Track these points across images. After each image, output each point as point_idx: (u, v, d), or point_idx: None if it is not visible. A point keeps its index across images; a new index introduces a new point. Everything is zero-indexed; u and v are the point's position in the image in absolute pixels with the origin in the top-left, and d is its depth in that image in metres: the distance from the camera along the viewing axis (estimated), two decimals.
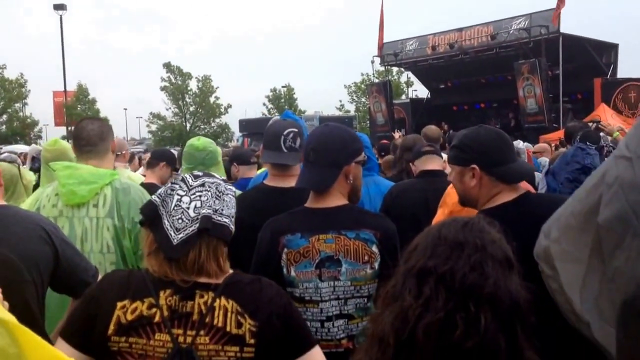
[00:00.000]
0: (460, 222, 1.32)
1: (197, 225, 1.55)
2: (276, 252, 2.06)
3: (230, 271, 1.62)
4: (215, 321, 1.50)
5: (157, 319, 1.50)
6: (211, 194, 1.59)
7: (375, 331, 1.31)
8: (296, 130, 2.62)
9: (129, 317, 1.50)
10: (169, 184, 1.63)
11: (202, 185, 1.60)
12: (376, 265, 2.04)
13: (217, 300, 1.52)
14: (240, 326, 1.50)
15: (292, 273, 2.03)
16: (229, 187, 1.66)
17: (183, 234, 1.54)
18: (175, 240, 1.54)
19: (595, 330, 0.93)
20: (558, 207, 1.94)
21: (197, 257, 1.54)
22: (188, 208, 1.57)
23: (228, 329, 1.49)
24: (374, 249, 2.05)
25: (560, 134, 12.78)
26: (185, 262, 1.54)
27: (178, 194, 1.59)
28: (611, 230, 0.88)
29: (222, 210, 1.60)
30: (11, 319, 1.20)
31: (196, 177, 1.63)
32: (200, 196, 1.58)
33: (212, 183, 1.62)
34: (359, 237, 2.04)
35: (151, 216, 1.59)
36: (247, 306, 1.52)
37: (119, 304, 1.52)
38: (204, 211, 1.56)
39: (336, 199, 2.11)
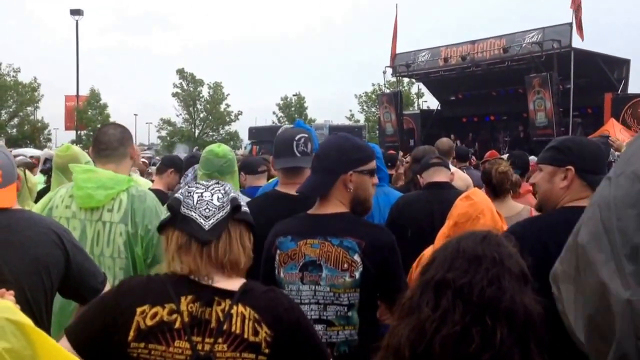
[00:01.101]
0: (479, 236, 1.33)
1: (226, 210, 1.62)
2: (271, 253, 2.14)
3: (244, 280, 1.64)
4: (233, 328, 1.51)
5: (177, 325, 1.51)
6: (228, 188, 1.70)
7: (391, 343, 1.32)
8: (307, 135, 2.68)
9: (149, 322, 1.51)
10: (185, 187, 1.70)
11: (218, 183, 1.70)
12: (357, 274, 2.05)
13: (235, 308, 1.53)
14: (257, 334, 1.51)
15: (281, 274, 2.11)
16: (236, 190, 1.75)
17: (213, 219, 1.60)
18: (207, 226, 1.59)
19: (587, 347, 0.95)
20: None
21: (227, 244, 1.60)
22: (211, 199, 1.64)
23: (246, 335, 1.51)
24: (356, 257, 2.06)
25: None
26: (217, 250, 1.58)
27: (198, 192, 1.65)
28: (586, 248, 0.91)
29: (241, 200, 1.68)
30: (27, 321, 1.22)
31: (208, 181, 1.73)
32: (219, 190, 1.67)
33: (224, 183, 1.72)
34: (341, 244, 2.07)
35: (177, 211, 1.63)
36: (263, 315, 1.54)
37: (139, 310, 1.52)
38: (230, 196, 1.65)
39: (334, 207, 2.15)
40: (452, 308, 1.22)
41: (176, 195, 1.69)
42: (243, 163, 4.76)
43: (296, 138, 2.62)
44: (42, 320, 1.99)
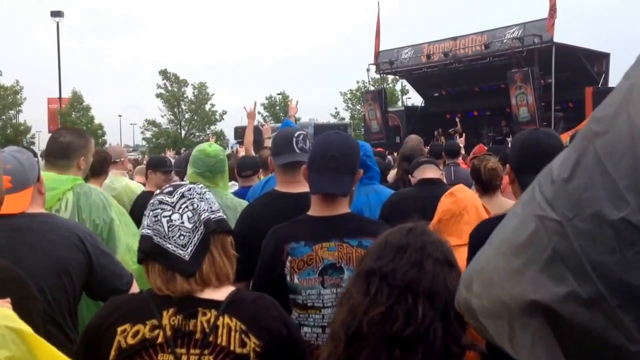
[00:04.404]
0: (406, 229, 1.45)
1: (201, 231, 1.56)
2: (280, 260, 2.08)
3: (232, 288, 1.62)
4: (219, 340, 1.49)
5: (160, 339, 1.49)
6: (196, 200, 1.60)
7: (332, 328, 1.45)
8: (304, 132, 2.71)
9: (130, 341, 1.49)
10: (150, 213, 1.60)
11: (182, 196, 1.60)
12: None
13: (221, 319, 1.51)
14: (244, 345, 1.49)
15: (296, 280, 2.06)
16: (200, 185, 1.69)
17: (191, 247, 1.55)
18: (186, 257, 1.54)
19: None
20: None
21: (211, 263, 1.56)
22: (182, 223, 1.56)
23: (232, 348, 1.48)
24: None
25: None
26: (202, 273, 1.55)
27: (164, 216, 1.57)
28: (558, 304, 0.84)
29: (212, 207, 1.62)
30: (26, 329, 1.22)
31: (170, 193, 1.61)
32: (187, 207, 1.58)
33: (189, 190, 1.62)
34: (361, 245, 2.07)
35: (151, 249, 1.56)
36: (251, 325, 1.52)
37: (119, 329, 1.51)
38: (202, 218, 1.57)
39: (342, 207, 2.15)
40: (379, 292, 1.34)
41: (143, 232, 1.60)
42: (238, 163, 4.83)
43: (295, 135, 2.64)
44: (65, 320, 2.03)
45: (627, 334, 0.79)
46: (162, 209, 1.58)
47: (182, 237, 1.55)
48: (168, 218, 1.56)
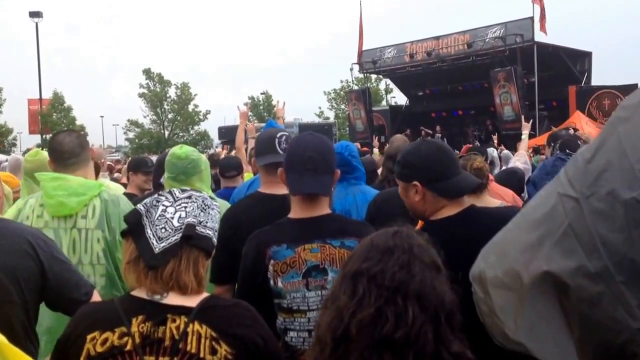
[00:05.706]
0: (391, 231, 1.42)
1: (181, 234, 1.54)
2: (262, 265, 2.05)
3: (207, 294, 1.59)
4: (189, 347, 1.46)
5: (128, 347, 1.47)
6: (197, 205, 1.60)
7: (317, 332, 1.41)
8: (287, 133, 2.70)
9: (99, 348, 1.47)
10: (156, 195, 1.62)
11: (189, 197, 1.61)
12: None
13: (191, 325, 1.49)
14: (214, 352, 1.47)
15: (279, 284, 2.03)
16: (215, 202, 1.67)
17: (165, 243, 1.54)
18: (157, 249, 1.53)
19: (534, 351, 0.95)
20: (503, 221, 1.78)
21: (175, 268, 1.53)
22: (172, 218, 1.56)
23: (202, 355, 1.46)
24: None
25: (537, 140, 13.01)
26: (162, 272, 1.52)
27: (163, 205, 1.59)
28: (564, 274, 0.88)
29: (207, 222, 1.60)
30: (1, 338, 1.20)
31: (184, 190, 1.64)
32: (185, 207, 1.59)
33: (199, 196, 1.63)
34: (344, 245, 2.05)
35: (135, 224, 1.57)
36: (222, 332, 1.49)
37: (89, 337, 1.49)
38: (188, 220, 1.56)
39: (323, 208, 2.13)
40: (367, 293, 1.31)
41: (138, 206, 1.62)
42: (220, 164, 4.77)
43: (277, 136, 2.62)
44: (15, 330, 1.93)
45: (629, 310, 0.82)
46: (166, 198, 1.61)
47: (163, 231, 1.55)
48: (164, 208, 1.58)
